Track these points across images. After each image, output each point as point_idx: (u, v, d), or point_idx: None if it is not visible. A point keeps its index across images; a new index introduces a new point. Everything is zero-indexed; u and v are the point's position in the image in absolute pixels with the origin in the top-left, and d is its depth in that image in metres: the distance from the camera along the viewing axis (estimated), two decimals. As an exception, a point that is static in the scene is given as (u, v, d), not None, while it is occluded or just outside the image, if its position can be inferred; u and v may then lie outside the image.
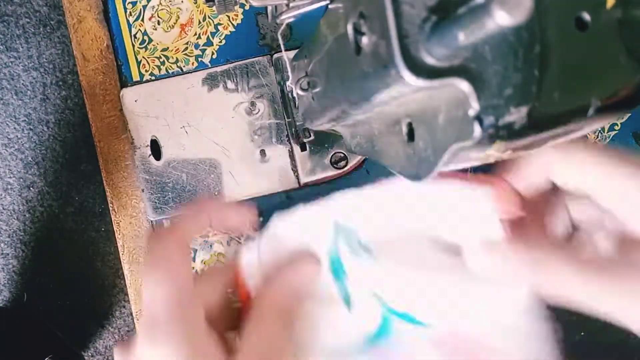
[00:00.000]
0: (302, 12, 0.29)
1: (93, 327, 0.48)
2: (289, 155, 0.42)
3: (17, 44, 0.45)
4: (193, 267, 0.43)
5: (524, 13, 0.13)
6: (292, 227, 0.35)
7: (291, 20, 0.30)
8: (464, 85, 0.19)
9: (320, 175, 0.42)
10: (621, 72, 0.21)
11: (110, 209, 0.42)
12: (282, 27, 0.30)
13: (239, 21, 0.42)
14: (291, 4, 0.30)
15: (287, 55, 0.38)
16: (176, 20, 0.42)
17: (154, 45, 0.42)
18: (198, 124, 0.41)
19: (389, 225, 0.35)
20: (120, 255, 0.43)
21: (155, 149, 0.41)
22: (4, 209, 0.45)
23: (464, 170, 0.27)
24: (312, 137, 0.40)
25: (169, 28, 0.42)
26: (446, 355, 0.35)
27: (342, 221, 0.34)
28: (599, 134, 0.42)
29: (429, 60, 0.19)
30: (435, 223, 0.34)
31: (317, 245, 0.35)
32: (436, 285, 0.35)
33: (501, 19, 0.14)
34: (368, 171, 0.41)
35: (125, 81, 0.42)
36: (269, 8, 0.32)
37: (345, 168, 0.41)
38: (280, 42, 0.32)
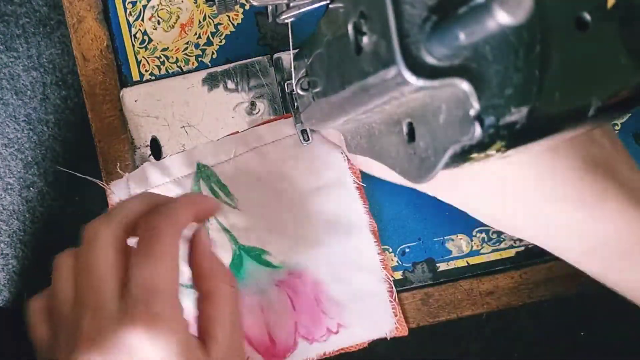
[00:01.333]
0: (302, 11, 0.30)
1: (93, 327, 0.48)
2: (289, 155, 0.42)
3: (17, 44, 0.45)
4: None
5: (525, 13, 0.13)
6: (160, 170, 0.40)
7: (291, 19, 0.30)
8: (464, 85, 0.19)
9: (320, 175, 0.42)
10: (621, 72, 0.21)
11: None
12: (290, 38, 0.30)
13: (239, 21, 0.42)
14: (291, 4, 0.30)
15: (293, 56, 0.38)
16: (176, 20, 0.42)
17: (154, 45, 0.42)
18: (198, 124, 0.41)
19: (246, 172, 0.39)
20: (120, 255, 0.43)
21: (155, 148, 0.41)
22: (4, 209, 0.45)
23: None
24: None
25: (169, 28, 0.42)
26: (290, 292, 0.39)
27: (203, 162, 0.39)
28: (599, 134, 0.42)
29: (430, 60, 0.19)
30: (287, 171, 0.39)
31: (181, 185, 0.39)
32: (285, 230, 0.39)
33: (502, 18, 0.14)
34: (368, 171, 0.41)
35: (125, 81, 0.42)
36: (269, 8, 0.32)
37: (346, 168, 0.41)
38: (290, 37, 0.32)
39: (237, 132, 0.40)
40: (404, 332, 0.40)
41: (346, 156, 0.40)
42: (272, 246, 0.39)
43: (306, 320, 0.39)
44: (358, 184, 0.40)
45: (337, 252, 0.40)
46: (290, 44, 0.32)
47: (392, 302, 0.40)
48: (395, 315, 0.40)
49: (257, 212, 0.39)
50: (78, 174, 0.40)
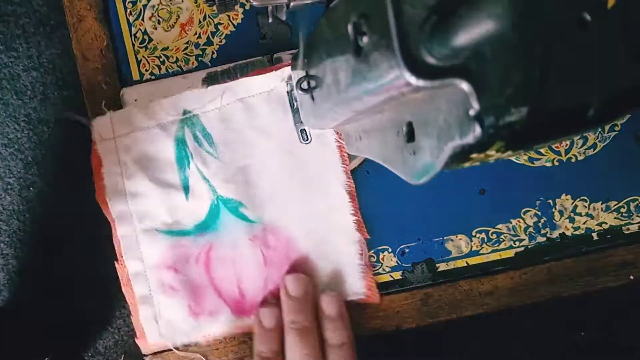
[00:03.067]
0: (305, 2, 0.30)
1: (93, 327, 0.48)
2: (289, 155, 0.42)
3: (17, 44, 0.45)
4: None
5: (510, 19, 0.13)
6: (145, 113, 0.40)
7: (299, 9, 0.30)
8: (464, 85, 0.19)
9: (320, 175, 0.42)
10: (621, 72, 0.21)
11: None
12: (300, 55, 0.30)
13: (239, 21, 0.42)
14: (291, 4, 0.30)
15: (293, 56, 0.38)
16: (176, 20, 0.42)
17: (154, 44, 0.42)
18: (198, 124, 0.41)
19: (231, 123, 0.39)
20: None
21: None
22: (4, 209, 0.45)
23: None
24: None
25: (169, 27, 0.42)
26: (262, 248, 0.39)
27: (190, 109, 0.40)
28: (599, 134, 0.42)
29: (430, 60, 0.19)
30: (272, 125, 0.39)
31: (166, 130, 0.39)
32: (264, 185, 0.40)
33: (487, 26, 0.13)
34: (368, 171, 0.41)
35: (125, 80, 0.42)
36: (269, 8, 0.32)
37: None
38: (290, 36, 0.32)
39: (226, 81, 0.40)
40: (375, 299, 0.40)
41: None
42: (249, 200, 0.39)
43: (276, 276, 0.39)
44: (340, 142, 0.39)
45: (312, 210, 0.40)
46: (303, 44, 0.32)
47: (361, 264, 0.40)
48: (364, 279, 0.39)
49: (237, 165, 0.40)
50: (78, 116, 0.40)
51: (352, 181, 0.40)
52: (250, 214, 0.40)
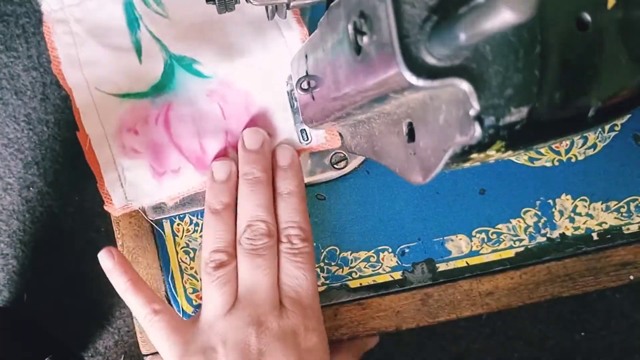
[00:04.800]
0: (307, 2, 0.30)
1: (93, 327, 0.48)
2: (289, 155, 0.42)
3: (17, 44, 0.45)
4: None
5: (530, 9, 0.13)
6: None
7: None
8: (464, 85, 0.19)
9: (320, 176, 0.42)
10: (622, 72, 0.21)
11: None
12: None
13: (239, 21, 0.42)
14: (291, 4, 0.30)
15: (293, 55, 0.38)
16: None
17: (154, 44, 0.42)
18: (198, 124, 0.41)
19: None
20: (120, 255, 0.43)
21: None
22: (4, 209, 0.45)
23: None
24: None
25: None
26: (220, 102, 0.39)
27: None
28: (599, 134, 0.42)
29: (430, 60, 0.19)
30: None
31: None
32: (216, 40, 0.39)
33: (505, 17, 0.13)
34: (368, 171, 0.41)
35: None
36: (269, 8, 0.32)
37: (345, 168, 0.41)
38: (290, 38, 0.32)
39: None
40: (336, 143, 0.40)
41: None
42: (202, 56, 0.39)
43: (236, 129, 0.39)
44: None
45: (267, 61, 0.39)
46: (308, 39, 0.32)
47: None
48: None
49: (187, 21, 0.39)
50: None
51: (306, 28, 0.39)
52: (205, 69, 0.39)
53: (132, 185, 0.40)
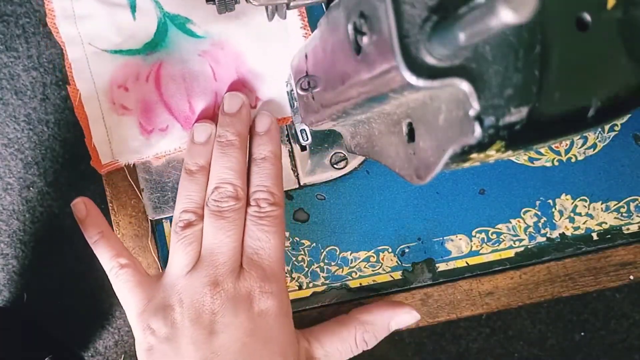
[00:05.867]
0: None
1: (93, 327, 0.48)
2: (289, 155, 0.42)
3: (17, 44, 0.45)
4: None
5: (530, 10, 0.13)
6: None
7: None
8: (464, 85, 0.19)
9: (320, 176, 0.42)
10: (621, 72, 0.21)
11: (110, 208, 0.42)
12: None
13: (239, 21, 0.42)
14: (291, 4, 0.30)
15: (293, 56, 0.38)
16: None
17: (154, 44, 0.42)
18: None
19: None
20: (120, 255, 0.43)
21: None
22: (4, 209, 0.45)
23: None
24: (310, 140, 0.40)
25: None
26: (212, 63, 0.39)
27: None
28: (599, 134, 0.42)
29: (430, 60, 0.19)
30: None
31: None
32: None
33: (506, 17, 0.13)
34: (368, 171, 0.41)
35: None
36: (269, 8, 0.32)
37: (345, 168, 0.41)
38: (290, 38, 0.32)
39: None
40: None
41: None
42: (196, 15, 0.39)
43: (226, 90, 0.39)
44: None
45: (260, 24, 0.39)
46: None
47: None
48: None
49: None
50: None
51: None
52: (198, 29, 0.40)
53: (119, 141, 0.40)
